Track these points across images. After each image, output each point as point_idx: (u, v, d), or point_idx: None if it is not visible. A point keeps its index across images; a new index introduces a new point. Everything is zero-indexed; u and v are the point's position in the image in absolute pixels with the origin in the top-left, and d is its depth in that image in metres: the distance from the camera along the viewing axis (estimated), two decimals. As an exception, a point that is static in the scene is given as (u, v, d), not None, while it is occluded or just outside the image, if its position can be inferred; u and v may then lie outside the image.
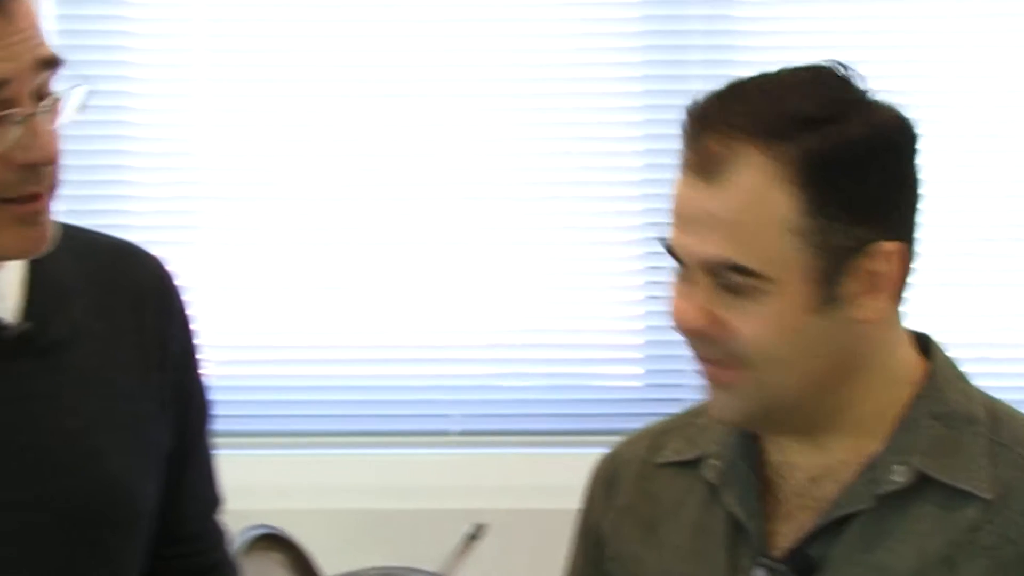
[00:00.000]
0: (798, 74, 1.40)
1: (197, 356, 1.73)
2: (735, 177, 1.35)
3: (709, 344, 1.40)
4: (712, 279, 1.37)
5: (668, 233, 1.40)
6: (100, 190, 3.16)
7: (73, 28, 3.12)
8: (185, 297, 1.71)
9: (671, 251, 1.40)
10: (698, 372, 1.44)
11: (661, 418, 1.64)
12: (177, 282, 1.71)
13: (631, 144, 3.20)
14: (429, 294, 3.22)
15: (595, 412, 3.21)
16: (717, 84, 1.41)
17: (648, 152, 3.17)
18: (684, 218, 1.38)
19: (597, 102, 3.22)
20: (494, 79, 3.20)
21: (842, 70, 1.40)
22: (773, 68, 1.42)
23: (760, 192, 1.35)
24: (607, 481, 1.61)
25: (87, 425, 1.57)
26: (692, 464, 1.54)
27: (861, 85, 1.40)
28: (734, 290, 1.36)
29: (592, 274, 3.22)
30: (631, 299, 3.16)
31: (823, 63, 1.41)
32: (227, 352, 3.19)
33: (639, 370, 3.27)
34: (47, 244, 1.49)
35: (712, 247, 1.36)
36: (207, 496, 1.77)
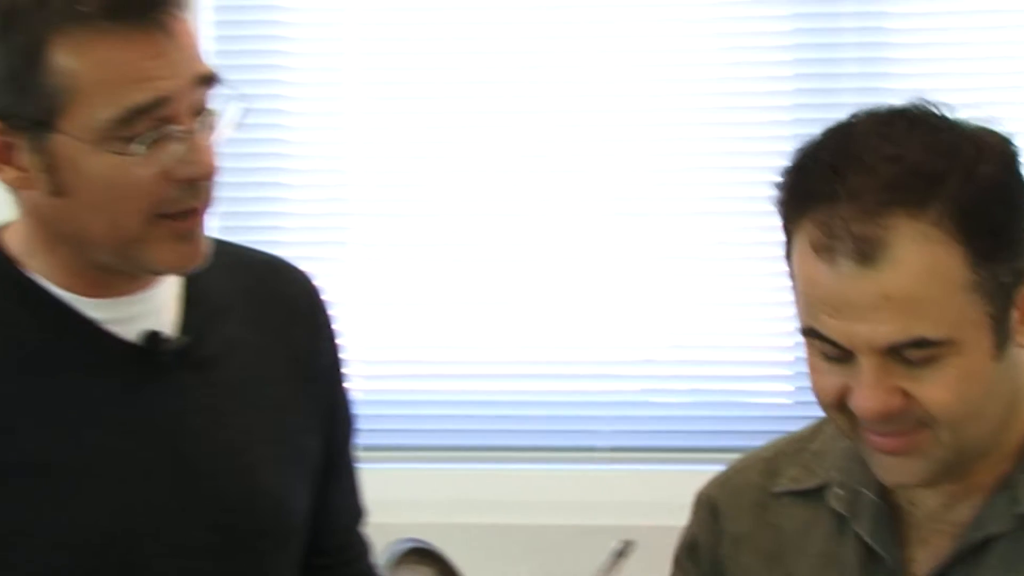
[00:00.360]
0: (895, 125, 1.35)
1: (344, 370, 1.75)
2: (899, 254, 1.30)
3: (895, 420, 1.35)
4: (887, 357, 1.32)
5: (818, 321, 1.34)
6: (252, 207, 3.21)
7: (229, 48, 3.17)
8: (332, 311, 1.73)
9: (825, 338, 1.34)
10: (868, 442, 1.38)
11: (765, 445, 1.61)
12: (325, 297, 1.73)
13: (781, 159, 3.17)
14: (579, 309, 3.21)
15: (744, 429, 3.17)
16: (820, 148, 1.37)
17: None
18: (848, 306, 1.32)
19: (747, 116, 3.20)
20: (645, 93, 3.19)
21: (928, 106, 1.37)
22: (852, 121, 1.39)
23: (929, 262, 1.30)
24: (713, 507, 1.58)
25: (242, 438, 1.60)
26: (813, 493, 1.51)
27: (953, 114, 1.37)
28: (916, 362, 1.32)
29: (742, 290, 3.20)
30: (780, 315, 3.13)
31: (905, 106, 1.37)
32: (376, 367, 3.22)
33: (788, 387, 3.23)
34: (202, 260, 1.52)
35: (894, 330, 1.31)
36: (352, 508, 1.79)
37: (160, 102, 1.43)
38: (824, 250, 1.32)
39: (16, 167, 1.46)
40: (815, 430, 1.56)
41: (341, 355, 1.74)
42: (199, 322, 1.59)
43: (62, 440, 1.50)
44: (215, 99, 1.50)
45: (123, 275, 1.53)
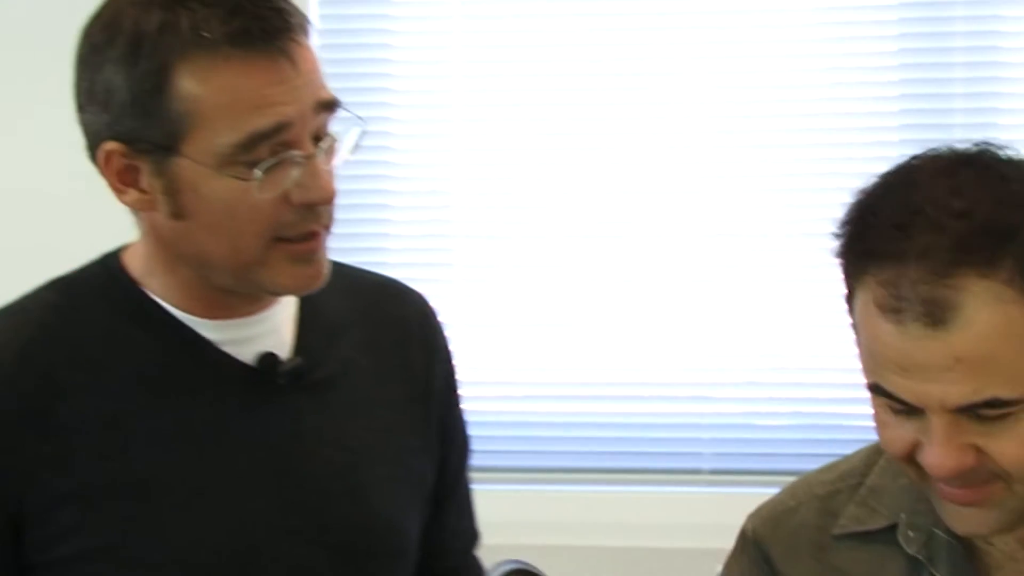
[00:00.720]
0: (961, 175, 1.30)
1: (458, 392, 1.75)
2: (970, 315, 1.24)
3: (968, 476, 1.31)
4: (959, 414, 1.28)
5: (885, 379, 1.30)
6: (357, 228, 3.23)
7: (335, 72, 3.19)
8: (446, 333, 1.74)
9: (893, 396, 1.30)
10: (939, 493, 1.35)
11: (811, 476, 1.55)
12: (439, 319, 1.74)
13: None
14: (682, 330, 3.21)
15: (847, 452, 3.15)
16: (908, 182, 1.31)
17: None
18: (917, 367, 1.27)
19: (851, 135, 3.18)
20: (749, 114, 3.19)
21: (994, 150, 1.32)
22: (913, 167, 1.33)
23: (1001, 321, 1.25)
24: (765, 550, 1.53)
25: (355, 460, 1.60)
26: (878, 534, 1.46)
27: (1015, 154, 1.32)
28: (988, 419, 1.28)
29: (845, 311, 3.17)
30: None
31: (969, 151, 1.32)
32: (479, 388, 3.22)
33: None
34: (321, 282, 1.53)
35: (967, 391, 1.26)
36: (467, 531, 1.80)
37: (281, 128, 1.43)
38: (891, 311, 1.27)
39: (138, 189, 1.48)
40: (868, 462, 1.51)
41: (456, 377, 1.74)
42: (314, 344, 1.60)
43: (177, 460, 1.51)
44: (335, 123, 1.51)
45: (240, 297, 1.54)
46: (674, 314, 3.21)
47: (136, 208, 1.51)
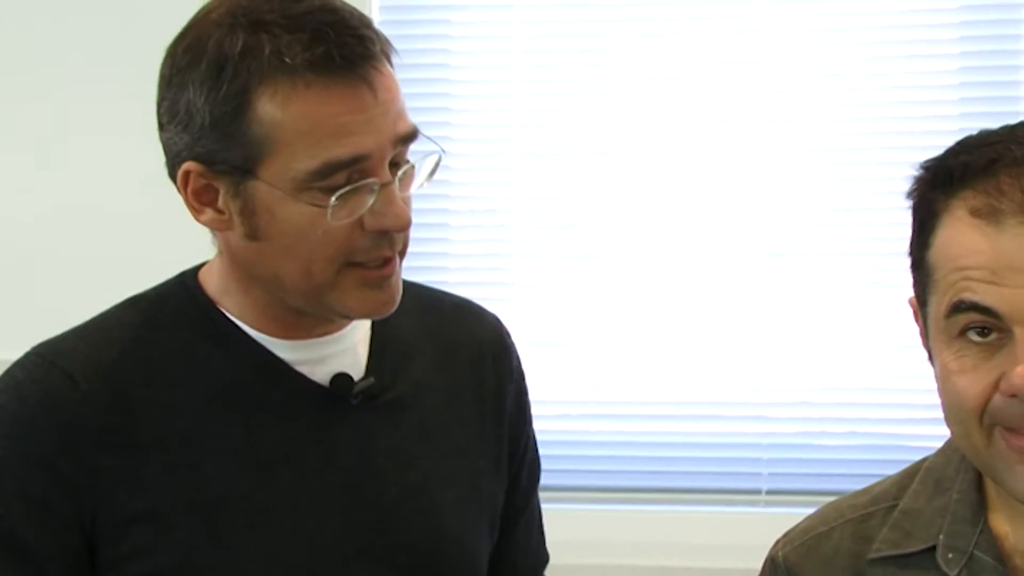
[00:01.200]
0: None
1: (529, 413, 1.76)
2: None
3: None
4: None
5: (974, 291, 1.28)
6: (417, 247, 3.22)
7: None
8: (519, 355, 1.74)
9: (981, 307, 1.28)
10: (1008, 446, 1.31)
11: (841, 501, 1.52)
12: (512, 340, 1.74)
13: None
14: (741, 351, 3.21)
15: (904, 473, 3.15)
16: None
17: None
18: (1012, 270, 1.26)
19: (911, 155, 3.17)
20: (812, 133, 3.20)
21: None
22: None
23: None
24: (793, 574, 1.49)
25: (426, 481, 1.60)
26: (914, 556, 1.43)
27: None
28: None
29: (900, 331, 3.16)
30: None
31: None
32: (536, 407, 3.21)
33: (947, 429, 3.19)
34: (392, 307, 1.53)
35: None
36: (536, 552, 1.80)
37: (359, 159, 1.44)
38: (988, 213, 1.27)
39: (215, 209, 1.48)
40: (900, 485, 1.49)
41: (527, 398, 1.75)
42: (387, 365, 1.60)
43: (250, 479, 1.51)
44: (412, 150, 1.51)
45: (314, 318, 1.54)
46: (731, 334, 3.21)
47: (212, 227, 1.52)
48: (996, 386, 1.29)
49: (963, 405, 1.30)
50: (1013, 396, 1.27)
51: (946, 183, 1.32)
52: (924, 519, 1.43)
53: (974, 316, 1.28)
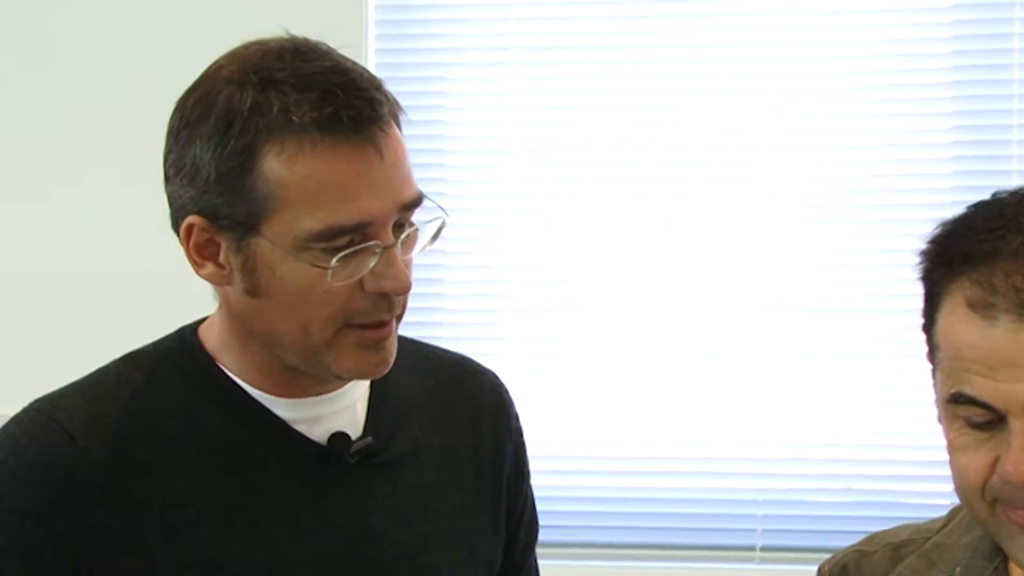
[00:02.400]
0: None
1: (527, 471, 1.75)
2: None
3: None
4: None
5: (969, 384, 1.30)
6: (412, 302, 3.23)
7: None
8: (517, 413, 1.74)
9: (976, 402, 1.30)
10: (1012, 520, 1.34)
11: (889, 528, 1.57)
12: (510, 398, 1.74)
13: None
14: (736, 407, 3.21)
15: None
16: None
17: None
18: (1006, 364, 1.27)
19: (905, 214, 3.19)
20: (797, 195, 3.22)
21: None
22: (997, 197, 1.37)
23: None
24: None
25: (424, 540, 1.59)
26: None
27: None
28: None
29: (896, 388, 3.18)
30: (936, 413, 3.09)
31: None
32: (531, 462, 3.21)
33: (945, 487, 3.18)
34: (385, 369, 1.52)
35: None
36: (535, 611, 1.78)
37: (363, 225, 1.44)
38: (983, 307, 1.29)
39: (216, 264, 1.48)
40: (945, 520, 1.53)
41: (526, 456, 1.75)
42: (385, 424, 1.60)
43: (246, 538, 1.50)
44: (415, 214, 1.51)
45: (311, 376, 1.53)
46: (726, 390, 3.21)
47: (212, 282, 1.51)
48: (994, 466, 1.32)
49: (965, 481, 1.34)
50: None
51: (946, 266, 1.34)
52: (950, 553, 1.47)
53: (972, 409, 1.31)
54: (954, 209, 3.05)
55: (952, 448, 1.34)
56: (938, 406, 1.37)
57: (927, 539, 1.51)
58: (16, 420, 1.52)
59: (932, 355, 1.37)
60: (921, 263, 1.38)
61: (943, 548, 1.48)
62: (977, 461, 1.32)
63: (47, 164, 3.25)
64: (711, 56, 3.24)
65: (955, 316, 1.32)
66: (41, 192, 3.25)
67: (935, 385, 1.37)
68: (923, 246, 1.37)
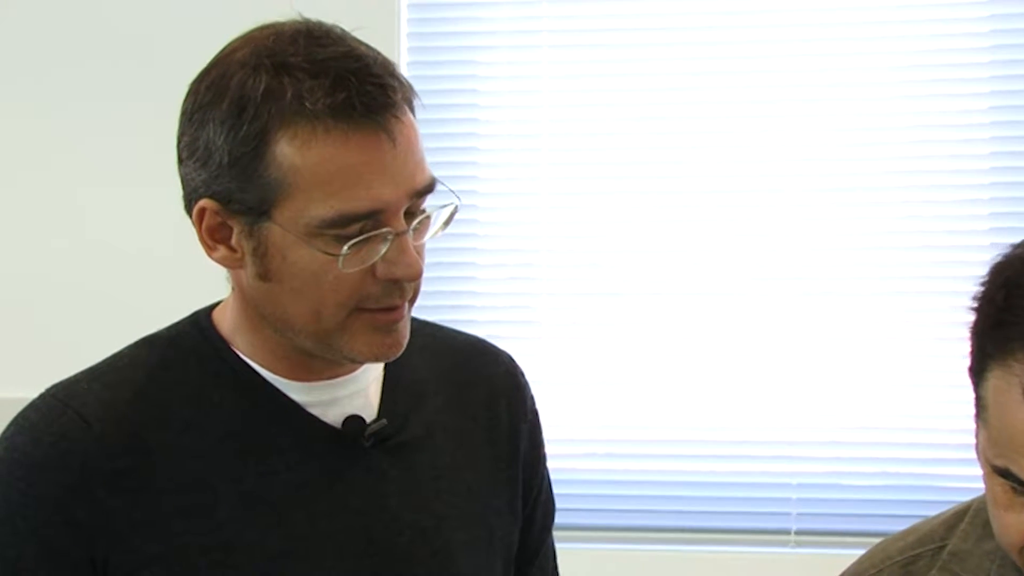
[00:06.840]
0: None
1: (543, 453, 1.74)
2: None
3: None
4: None
5: (1017, 465, 1.28)
6: (444, 286, 3.25)
7: (423, 132, 3.22)
8: (533, 394, 1.73)
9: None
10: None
11: (888, 542, 1.54)
12: (526, 379, 1.73)
13: (980, 238, 3.15)
14: (771, 389, 3.21)
15: (934, 513, 3.12)
16: None
17: (998, 231, 3.12)
18: None
19: (944, 208, 3.17)
20: (846, 185, 3.21)
21: None
22: None
23: None
24: None
25: (439, 523, 1.59)
26: None
27: None
28: None
29: (933, 371, 3.16)
30: (972, 397, 3.07)
31: None
32: (562, 446, 3.22)
33: (979, 469, 3.17)
34: (398, 352, 1.52)
35: None
36: (552, 592, 1.78)
37: (375, 212, 1.43)
38: None
39: (228, 247, 1.48)
40: (948, 525, 1.49)
41: (541, 437, 1.73)
42: (400, 406, 1.60)
43: (262, 522, 1.51)
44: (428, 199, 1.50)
45: (325, 360, 1.53)
46: (761, 372, 3.20)
47: (224, 265, 1.51)
48: None
49: (1006, 539, 1.33)
50: None
51: (998, 342, 1.31)
52: (972, 562, 1.44)
53: (1016, 484, 1.30)
54: (991, 192, 3.05)
55: (995, 504, 1.33)
56: (979, 455, 1.36)
57: (940, 548, 1.48)
58: (32, 406, 1.53)
59: (978, 405, 1.34)
60: (974, 319, 1.34)
61: (963, 556, 1.46)
62: (1020, 522, 1.31)
63: (64, 149, 3.26)
64: (750, 37, 3.23)
65: (1009, 395, 1.29)
66: (56, 177, 3.26)
67: (978, 434, 1.36)
68: (977, 295, 1.34)
